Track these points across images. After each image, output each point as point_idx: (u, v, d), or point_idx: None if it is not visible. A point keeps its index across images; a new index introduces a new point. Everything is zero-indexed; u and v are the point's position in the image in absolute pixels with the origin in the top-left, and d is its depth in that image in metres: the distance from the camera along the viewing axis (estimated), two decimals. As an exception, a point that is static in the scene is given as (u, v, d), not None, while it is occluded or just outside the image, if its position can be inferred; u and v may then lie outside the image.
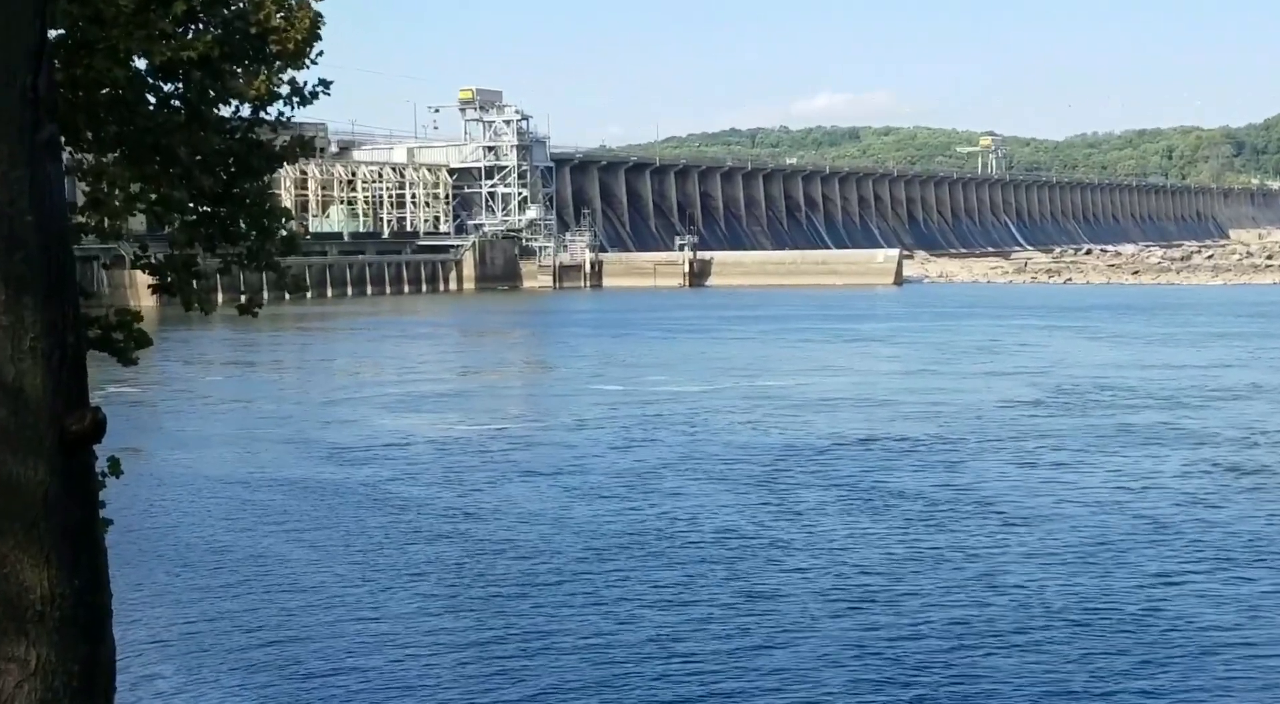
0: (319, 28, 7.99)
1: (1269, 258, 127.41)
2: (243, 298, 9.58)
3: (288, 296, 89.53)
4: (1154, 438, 30.12)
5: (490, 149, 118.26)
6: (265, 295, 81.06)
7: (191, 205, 8.29)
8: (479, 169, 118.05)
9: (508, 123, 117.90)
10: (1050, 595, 17.68)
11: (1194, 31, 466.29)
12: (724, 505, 23.57)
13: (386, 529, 22.15)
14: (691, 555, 20.13)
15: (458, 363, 52.62)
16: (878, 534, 21.28)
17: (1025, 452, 28.68)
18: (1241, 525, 21.60)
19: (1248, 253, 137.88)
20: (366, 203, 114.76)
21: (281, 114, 8.30)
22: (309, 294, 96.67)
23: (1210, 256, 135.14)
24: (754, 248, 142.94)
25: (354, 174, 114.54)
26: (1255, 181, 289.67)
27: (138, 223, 8.85)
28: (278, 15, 7.73)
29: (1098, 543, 20.54)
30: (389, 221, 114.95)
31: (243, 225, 8.31)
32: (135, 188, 7.94)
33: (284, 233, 8.59)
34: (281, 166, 8.47)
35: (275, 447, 30.68)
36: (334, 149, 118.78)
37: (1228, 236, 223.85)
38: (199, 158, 7.90)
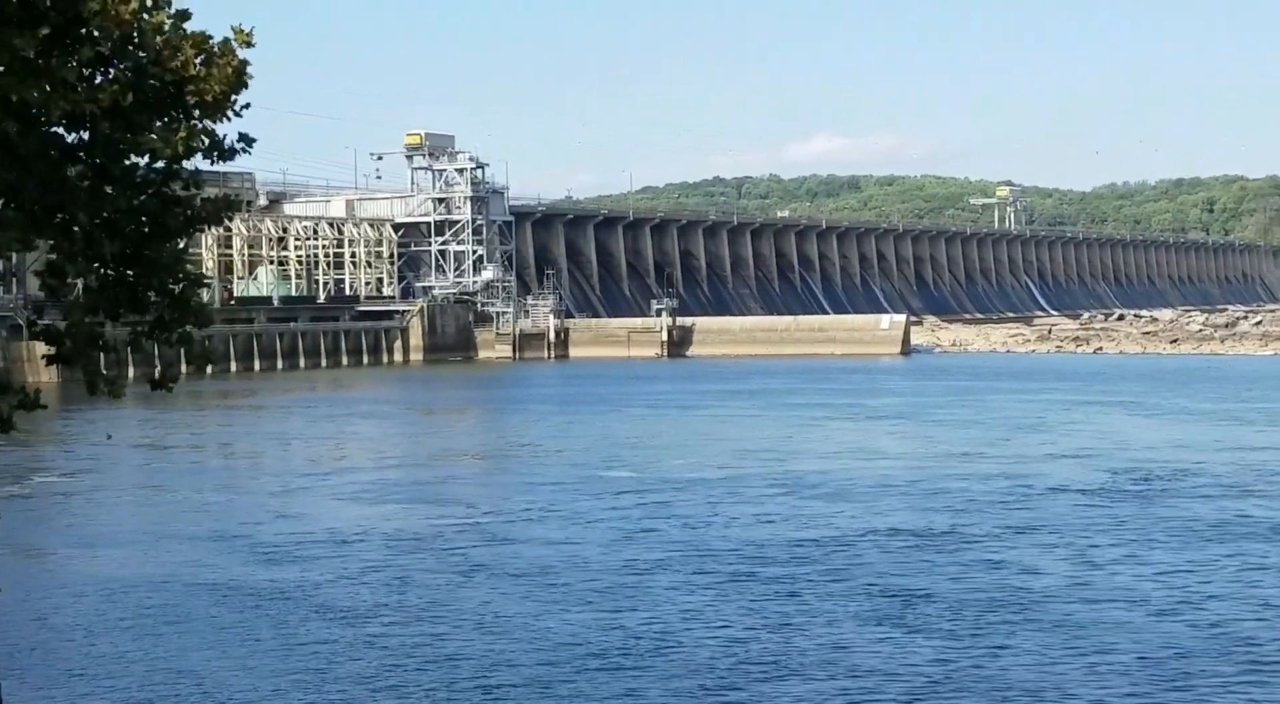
0: (244, 77, 8.01)
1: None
2: (156, 371, 9.53)
3: (209, 371, 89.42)
4: (1253, 532, 30.15)
5: (441, 201, 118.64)
6: (183, 368, 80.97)
7: (96, 268, 8.26)
8: (428, 224, 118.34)
9: (461, 171, 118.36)
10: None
11: (1237, 69, 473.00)
12: (728, 614, 23.43)
13: (315, 638, 21.92)
14: (684, 675, 19.98)
15: (403, 447, 52.46)
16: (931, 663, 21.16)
17: (1109, 553, 28.59)
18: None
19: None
20: (299, 263, 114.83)
21: (198, 171, 8.31)
22: (233, 367, 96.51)
23: (1259, 322, 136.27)
24: (741, 312, 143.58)
25: (285, 230, 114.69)
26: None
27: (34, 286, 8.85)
28: (197, 61, 7.75)
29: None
30: (325, 284, 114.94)
31: (152, 293, 8.27)
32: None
33: (198, 301, 8.56)
34: (202, 228, 8.46)
35: (191, 543, 30.43)
36: (262, 202, 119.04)
37: (1277, 300, 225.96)
38: (104, 217, 7.88)
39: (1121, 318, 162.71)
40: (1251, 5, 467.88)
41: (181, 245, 8.60)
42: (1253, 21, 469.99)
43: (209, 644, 21.88)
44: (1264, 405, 61.49)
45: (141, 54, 7.71)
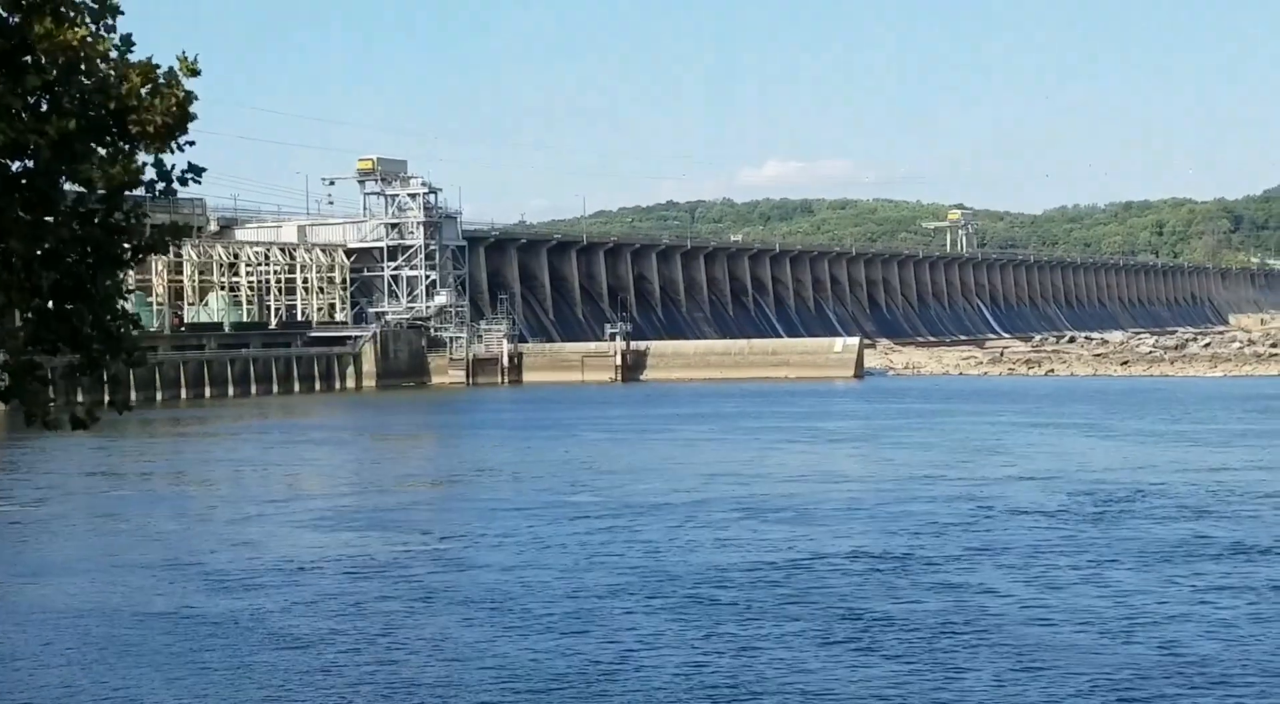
0: (190, 108, 7.93)
1: (1273, 346, 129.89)
2: (106, 398, 9.42)
3: (159, 397, 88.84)
4: (1211, 552, 30.30)
5: (393, 226, 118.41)
6: (133, 395, 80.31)
7: (35, 301, 8.15)
8: (380, 249, 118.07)
9: (413, 196, 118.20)
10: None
11: (1186, 94, 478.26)
12: (687, 639, 23.38)
13: (268, 666, 21.73)
14: (642, 702, 19.91)
15: (357, 474, 52.18)
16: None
17: (1075, 573, 28.66)
18: None
19: (1249, 340, 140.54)
20: (251, 289, 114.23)
21: (144, 199, 8.22)
22: (184, 395, 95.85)
23: (1207, 344, 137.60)
24: (695, 336, 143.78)
25: (236, 256, 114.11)
26: (1255, 260, 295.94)
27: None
28: (143, 90, 7.66)
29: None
30: (277, 310, 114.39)
31: (88, 329, 8.16)
32: None
33: (130, 340, 8.44)
34: (150, 256, 8.39)
35: (141, 572, 30.14)
36: (213, 227, 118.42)
37: (1226, 322, 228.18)
38: (45, 249, 7.77)
39: (1072, 340, 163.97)
40: (1197, 32, 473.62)
41: (123, 276, 8.50)
42: (1199, 47, 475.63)
43: (160, 674, 21.65)
44: (1215, 426, 61.97)
45: (87, 81, 7.63)
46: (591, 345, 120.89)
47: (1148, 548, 30.71)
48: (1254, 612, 24.47)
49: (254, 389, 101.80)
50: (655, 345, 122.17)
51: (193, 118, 7.99)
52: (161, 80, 7.86)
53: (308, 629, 24.46)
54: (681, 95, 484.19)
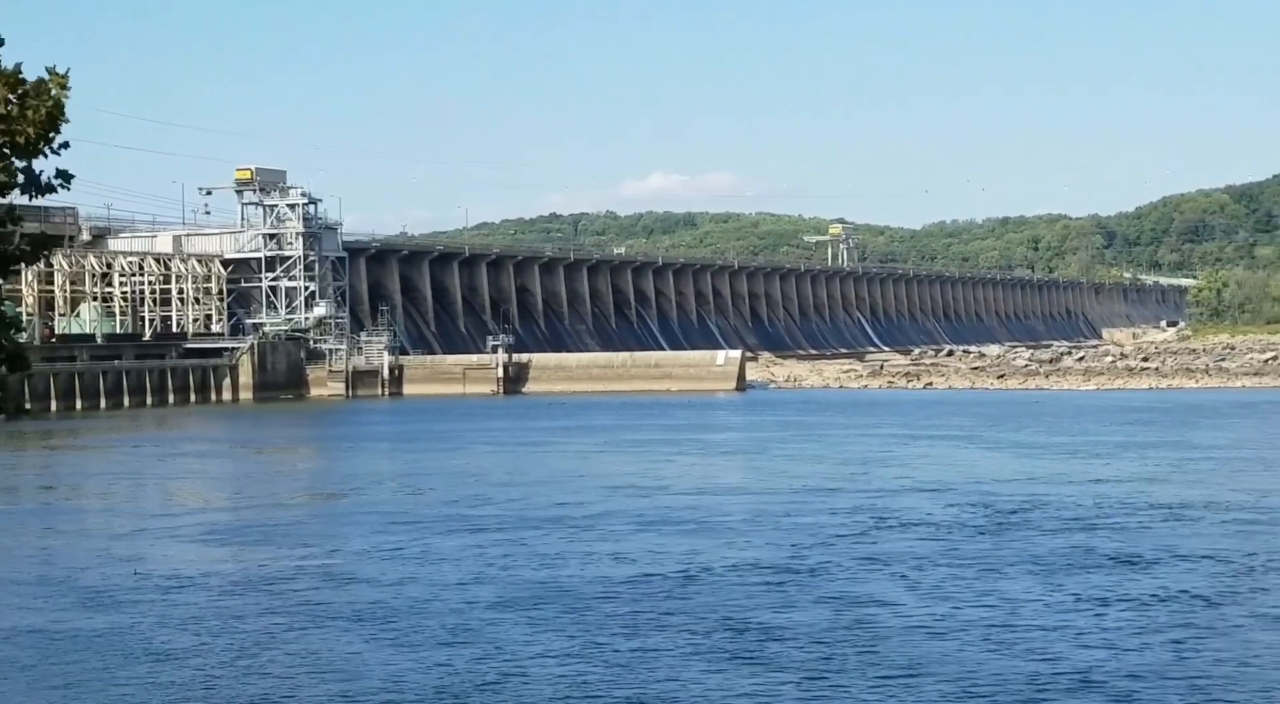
0: (60, 119, 7.78)
1: (1144, 359, 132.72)
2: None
3: (29, 410, 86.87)
4: (1105, 562, 30.80)
5: (272, 237, 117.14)
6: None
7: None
8: (258, 260, 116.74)
9: (292, 207, 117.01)
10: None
11: (1062, 113, 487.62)
12: (573, 652, 23.33)
13: (142, 683, 21.36)
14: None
15: (234, 487, 51.48)
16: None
17: (968, 584, 28.99)
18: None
19: (1121, 354, 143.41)
20: (124, 299, 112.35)
21: (14, 206, 8.07)
22: (54, 407, 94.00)
23: (1081, 358, 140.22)
24: (578, 349, 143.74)
25: (109, 266, 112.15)
26: (1127, 275, 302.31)
27: None
28: (10, 99, 7.51)
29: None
30: (151, 321, 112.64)
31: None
32: None
33: (16, 344, 8.28)
34: (17, 269, 8.21)
35: (12, 588, 29.52)
36: (85, 237, 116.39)
37: (1100, 336, 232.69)
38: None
39: (951, 353, 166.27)
40: (1071, 51, 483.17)
41: (-1, 284, 8.34)
42: (1074, 66, 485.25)
43: (32, 692, 21.18)
44: (1091, 438, 63.13)
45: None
46: (473, 357, 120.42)
47: (1030, 558, 31.19)
48: (1134, 621, 24.94)
49: (127, 401, 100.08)
50: (538, 358, 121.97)
51: (63, 123, 7.85)
52: (30, 92, 7.72)
53: (183, 645, 24.07)
54: (565, 107, 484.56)
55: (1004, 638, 23.71)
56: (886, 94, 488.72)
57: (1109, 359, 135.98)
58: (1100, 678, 21.13)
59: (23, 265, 8.18)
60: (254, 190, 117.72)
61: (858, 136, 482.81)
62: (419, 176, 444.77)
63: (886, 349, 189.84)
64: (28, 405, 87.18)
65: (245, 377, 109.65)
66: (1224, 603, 26.26)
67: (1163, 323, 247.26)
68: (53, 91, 7.86)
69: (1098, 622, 24.89)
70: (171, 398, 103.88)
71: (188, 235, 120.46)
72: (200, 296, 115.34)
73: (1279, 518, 37.20)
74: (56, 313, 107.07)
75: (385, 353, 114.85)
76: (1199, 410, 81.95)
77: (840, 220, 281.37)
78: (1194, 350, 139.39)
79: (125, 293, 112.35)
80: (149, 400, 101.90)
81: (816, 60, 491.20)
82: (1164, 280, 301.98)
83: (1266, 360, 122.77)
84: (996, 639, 23.63)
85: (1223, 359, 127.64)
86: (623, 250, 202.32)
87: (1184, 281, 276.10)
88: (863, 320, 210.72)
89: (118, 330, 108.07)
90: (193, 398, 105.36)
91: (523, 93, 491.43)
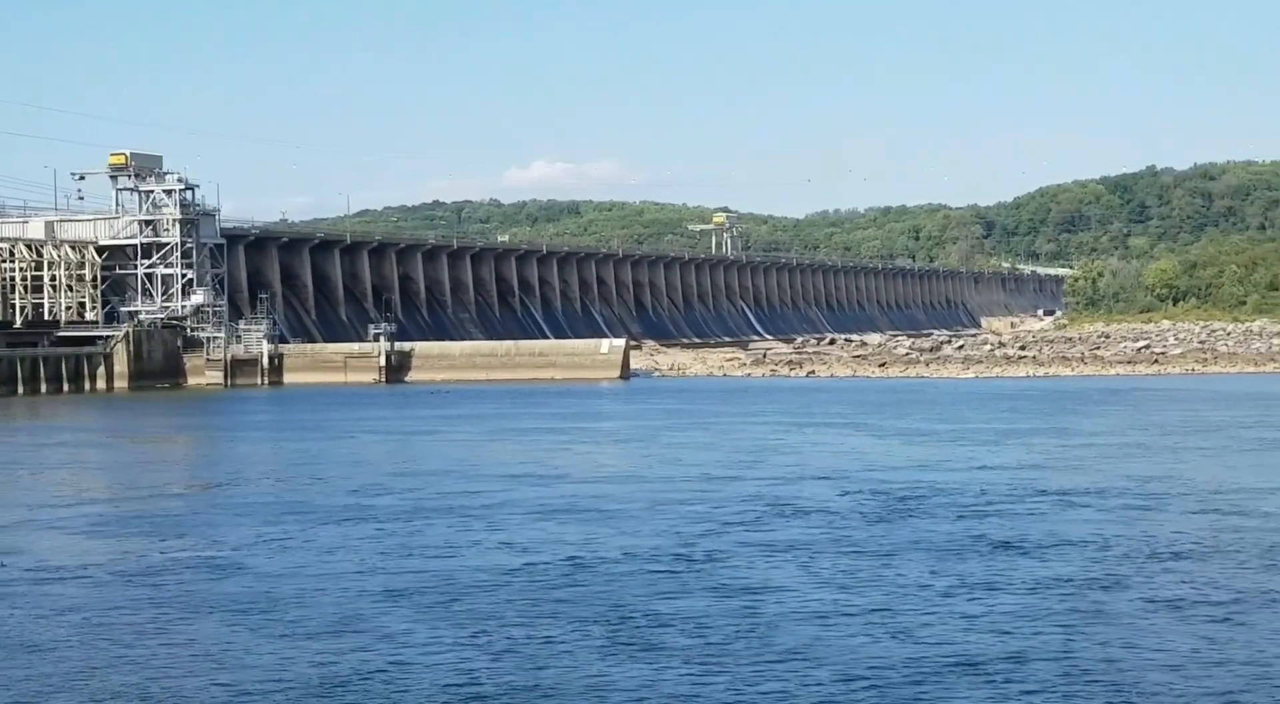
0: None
1: (1021, 348, 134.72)
2: None
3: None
4: (994, 548, 31.02)
5: (148, 223, 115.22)
6: None
7: None
8: (134, 247, 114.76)
9: (169, 193, 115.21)
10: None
11: (940, 104, 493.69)
12: (462, 642, 23.04)
13: (17, 679, 20.76)
14: None
15: (109, 477, 50.41)
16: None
17: (862, 576, 29.03)
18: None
19: (999, 342, 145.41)
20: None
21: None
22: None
23: (961, 347, 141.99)
24: (461, 337, 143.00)
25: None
26: (1006, 265, 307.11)
27: None
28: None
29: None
30: (22, 309, 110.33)
31: None
32: None
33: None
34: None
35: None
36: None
37: (979, 324, 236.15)
38: None
39: (833, 342, 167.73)
40: (951, 43, 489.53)
41: None
42: (954, 58, 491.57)
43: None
44: (972, 425, 63.87)
45: None
46: (355, 346, 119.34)
47: (920, 544, 31.37)
48: (1021, 605, 25.15)
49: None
50: (420, 346, 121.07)
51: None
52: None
53: (59, 637, 23.43)
54: (449, 94, 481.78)
55: (892, 623, 23.79)
56: (770, 84, 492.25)
57: (988, 348, 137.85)
58: (985, 661, 21.26)
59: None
60: (129, 176, 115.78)
61: (741, 126, 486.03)
62: (299, 163, 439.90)
63: (770, 337, 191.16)
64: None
65: (120, 365, 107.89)
66: (1109, 586, 26.59)
67: (1040, 312, 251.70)
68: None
69: (985, 606, 25.07)
70: (44, 387, 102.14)
71: (60, 221, 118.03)
72: (74, 284, 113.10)
73: (1161, 503, 37.85)
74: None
75: (265, 341, 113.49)
76: (1076, 398, 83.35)
77: (724, 209, 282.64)
78: (1070, 339, 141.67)
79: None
80: (20, 390, 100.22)
81: (701, 49, 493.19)
82: (1041, 270, 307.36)
83: (1139, 349, 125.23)
84: (885, 624, 23.70)
85: (1098, 347, 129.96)
86: (507, 238, 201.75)
87: (1060, 271, 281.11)
88: (746, 309, 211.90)
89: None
90: (66, 387, 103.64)
91: (405, 79, 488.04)
